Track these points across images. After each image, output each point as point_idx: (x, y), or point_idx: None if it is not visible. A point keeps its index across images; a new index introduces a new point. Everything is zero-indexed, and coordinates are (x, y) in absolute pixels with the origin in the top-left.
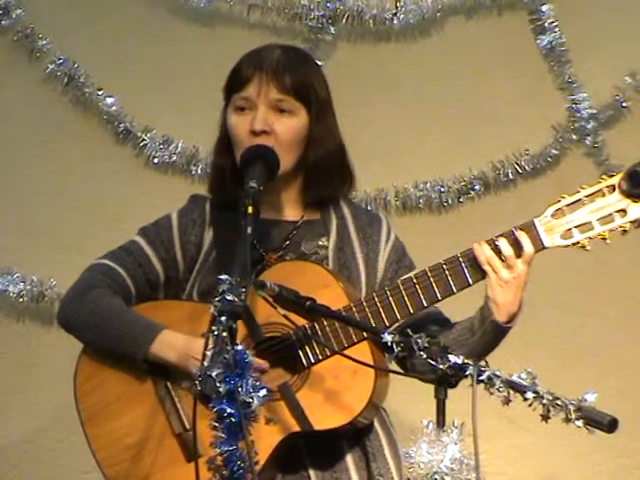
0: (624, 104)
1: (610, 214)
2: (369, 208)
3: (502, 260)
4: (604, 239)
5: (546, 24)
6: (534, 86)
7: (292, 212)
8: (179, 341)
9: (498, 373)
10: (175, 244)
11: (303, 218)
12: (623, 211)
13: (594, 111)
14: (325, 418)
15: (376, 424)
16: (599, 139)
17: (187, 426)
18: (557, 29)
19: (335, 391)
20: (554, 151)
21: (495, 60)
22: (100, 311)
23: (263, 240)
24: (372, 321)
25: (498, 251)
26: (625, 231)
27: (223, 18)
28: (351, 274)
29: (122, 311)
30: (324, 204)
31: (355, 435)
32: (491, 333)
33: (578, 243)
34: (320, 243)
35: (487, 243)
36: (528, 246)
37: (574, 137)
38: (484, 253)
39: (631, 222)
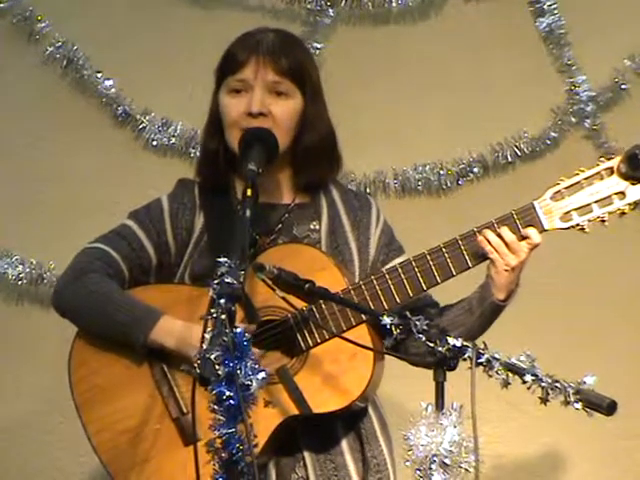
0: (623, 86)
1: (609, 196)
2: (366, 190)
3: (506, 245)
4: (603, 222)
5: (545, 6)
6: (533, 69)
7: (284, 195)
8: (178, 327)
9: (497, 356)
10: (167, 228)
11: (295, 201)
12: (622, 193)
13: (593, 94)
14: (324, 401)
15: (369, 407)
16: (598, 122)
17: (184, 410)
18: (556, 11)
19: (334, 374)
20: (553, 134)
21: (494, 43)
22: (98, 296)
23: (256, 223)
24: (371, 304)
25: (502, 237)
26: (623, 213)
27: (222, 0)
28: (344, 258)
29: (120, 296)
30: (314, 188)
31: (350, 418)
32: (489, 312)
33: (577, 226)
34: (312, 227)
35: (491, 230)
36: (536, 237)
37: (573, 120)
38: (490, 241)
39: (630, 204)
